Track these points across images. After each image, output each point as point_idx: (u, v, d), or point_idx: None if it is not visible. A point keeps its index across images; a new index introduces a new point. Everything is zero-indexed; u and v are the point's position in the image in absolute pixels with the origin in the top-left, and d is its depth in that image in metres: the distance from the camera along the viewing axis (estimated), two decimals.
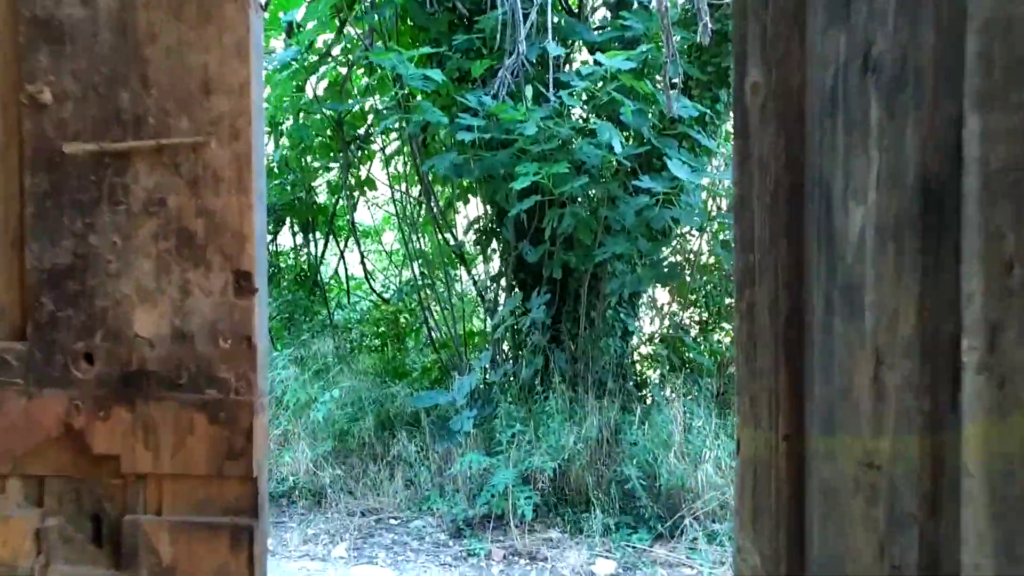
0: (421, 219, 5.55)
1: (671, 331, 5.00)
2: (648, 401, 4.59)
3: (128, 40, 0.83)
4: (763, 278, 0.82)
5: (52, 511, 0.86)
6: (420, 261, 5.43)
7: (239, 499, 0.81)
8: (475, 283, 5.47)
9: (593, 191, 4.37)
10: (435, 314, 5.38)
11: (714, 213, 4.60)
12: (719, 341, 5.08)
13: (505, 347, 4.93)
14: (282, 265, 6.12)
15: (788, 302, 0.80)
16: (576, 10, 4.95)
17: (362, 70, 5.30)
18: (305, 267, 6.08)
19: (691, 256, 4.97)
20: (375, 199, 6.18)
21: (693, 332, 5.10)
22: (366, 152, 5.68)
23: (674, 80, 3.97)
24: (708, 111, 4.32)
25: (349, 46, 5.20)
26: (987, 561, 0.62)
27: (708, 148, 4.42)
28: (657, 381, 4.84)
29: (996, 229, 0.61)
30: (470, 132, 4.01)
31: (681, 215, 4.17)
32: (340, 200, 5.80)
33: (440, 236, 5.28)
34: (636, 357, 5.18)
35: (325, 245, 6.09)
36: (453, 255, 5.41)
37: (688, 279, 4.79)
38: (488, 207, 5.08)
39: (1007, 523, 0.61)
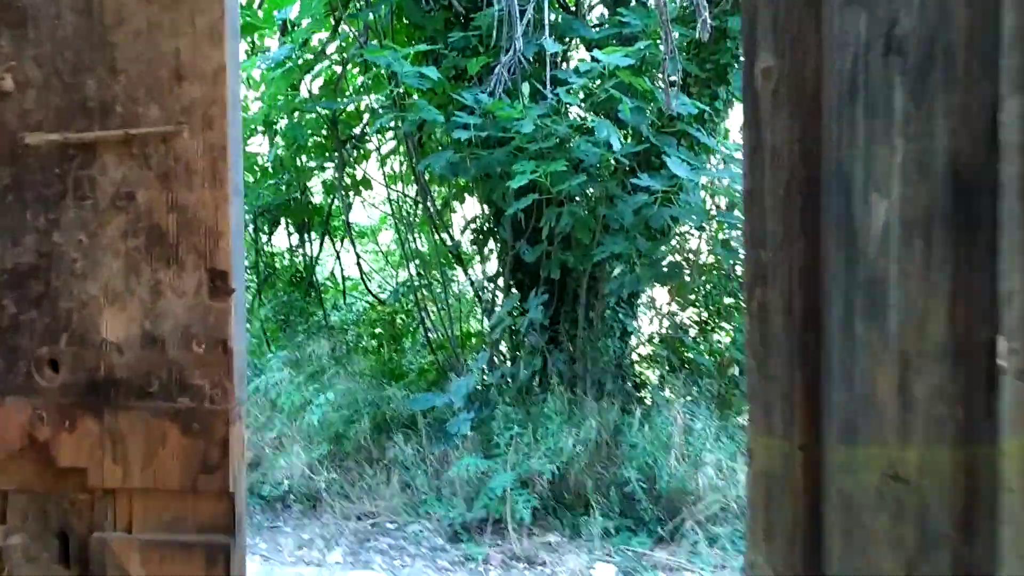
0: (417, 219, 5.50)
1: (670, 331, 4.96)
2: (648, 402, 4.54)
3: (94, 23, 0.77)
4: (776, 276, 0.77)
5: (15, 528, 0.80)
6: (416, 261, 5.38)
7: (214, 516, 0.76)
8: (472, 283, 5.43)
9: (591, 190, 4.33)
10: (432, 315, 5.33)
11: (713, 212, 4.55)
12: (719, 341, 5.03)
13: (503, 348, 4.89)
14: (277, 266, 6.07)
15: (803, 302, 0.75)
16: (573, 7, 4.91)
17: (357, 68, 5.25)
18: (300, 268, 6.03)
19: (690, 255, 4.92)
20: (371, 199, 6.13)
21: (693, 332, 5.06)
22: (361, 151, 5.63)
23: (673, 77, 3.93)
24: (707, 108, 4.28)
25: (344, 44, 5.15)
26: None
27: (707, 146, 4.38)
28: (656, 382, 4.80)
29: None
30: (466, 130, 3.97)
31: (680, 214, 4.12)
32: (335, 200, 5.75)
33: (437, 236, 5.24)
34: (635, 358, 5.13)
35: (320, 246, 6.04)
36: (450, 255, 5.36)
37: (687, 279, 4.74)
38: (485, 206, 5.04)
39: None
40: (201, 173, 0.76)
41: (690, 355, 4.85)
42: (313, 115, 5.25)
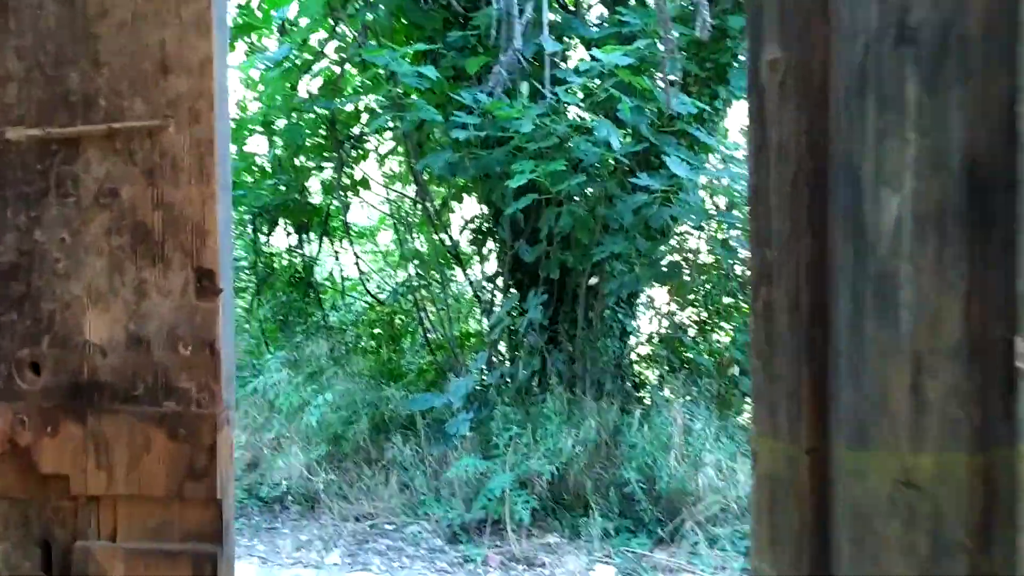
0: (416, 219, 5.48)
1: (670, 331, 4.93)
2: (647, 402, 4.52)
3: (77, 14, 0.74)
4: (782, 274, 0.75)
5: None
6: (415, 261, 5.36)
7: (201, 523, 0.73)
8: (471, 283, 5.40)
9: (590, 189, 4.31)
10: (431, 315, 5.31)
11: (713, 211, 4.53)
12: (718, 341, 5.01)
13: (502, 348, 4.87)
14: (276, 266, 6.04)
15: (810, 300, 0.72)
16: (572, 6, 4.89)
17: (356, 68, 5.22)
18: (299, 268, 6.01)
19: (690, 255, 4.90)
20: (370, 199, 6.11)
21: (692, 332, 5.03)
22: (360, 151, 5.61)
23: (672, 76, 3.90)
24: (707, 108, 4.27)
25: (343, 44, 5.13)
26: None
27: (707, 145, 4.36)
28: (656, 382, 4.78)
29: None
30: (465, 130, 3.95)
31: (680, 213, 4.10)
32: (334, 200, 5.73)
33: (435, 236, 5.22)
34: (634, 358, 5.11)
35: (319, 246, 6.01)
36: (449, 255, 5.34)
37: (687, 278, 4.72)
38: (484, 206, 5.02)
39: None
40: (187, 169, 0.73)
41: (689, 355, 4.83)
42: (312, 115, 5.23)
